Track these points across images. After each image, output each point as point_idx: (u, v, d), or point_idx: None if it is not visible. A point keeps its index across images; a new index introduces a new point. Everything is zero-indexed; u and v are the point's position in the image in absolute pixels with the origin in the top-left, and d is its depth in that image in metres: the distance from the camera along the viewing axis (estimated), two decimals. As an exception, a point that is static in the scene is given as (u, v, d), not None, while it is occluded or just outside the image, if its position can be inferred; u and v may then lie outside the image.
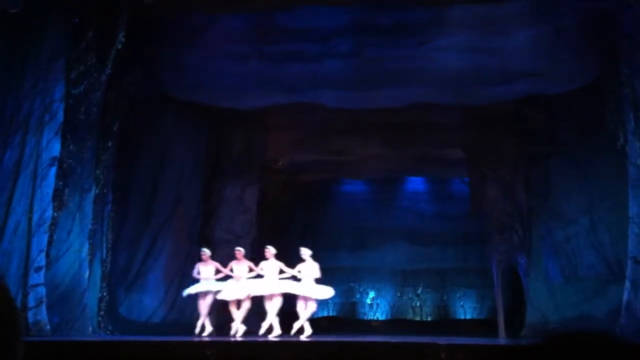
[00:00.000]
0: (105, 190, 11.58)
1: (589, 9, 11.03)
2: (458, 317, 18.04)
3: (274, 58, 12.25)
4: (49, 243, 9.93)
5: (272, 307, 11.40)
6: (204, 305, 11.57)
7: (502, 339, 12.29)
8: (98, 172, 11.26)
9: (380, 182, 19.18)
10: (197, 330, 11.44)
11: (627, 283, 10.06)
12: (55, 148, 10.14)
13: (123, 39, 11.09)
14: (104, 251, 11.68)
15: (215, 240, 13.99)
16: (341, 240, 18.70)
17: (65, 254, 10.26)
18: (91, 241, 10.94)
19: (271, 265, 11.45)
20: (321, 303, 19.09)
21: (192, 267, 11.97)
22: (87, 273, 10.75)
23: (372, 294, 18.77)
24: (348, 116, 13.91)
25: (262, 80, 12.46)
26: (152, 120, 12.98)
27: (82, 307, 10.46)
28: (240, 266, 11.61)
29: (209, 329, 11.49)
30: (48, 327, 9.64)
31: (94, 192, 11.06)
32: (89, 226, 10.86)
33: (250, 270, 11.50)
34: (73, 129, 10.52)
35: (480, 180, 15.23)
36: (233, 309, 11.54)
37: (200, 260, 11.81)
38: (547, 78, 11.83)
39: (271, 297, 11.38)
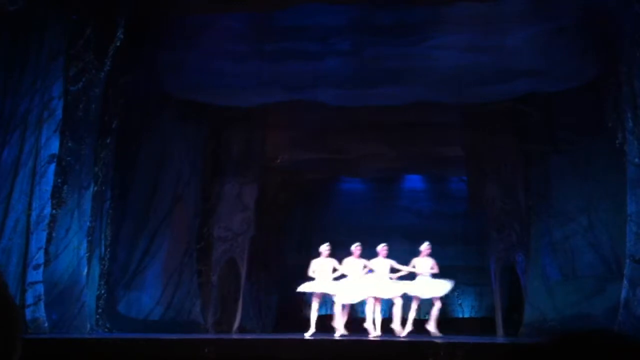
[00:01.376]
0: (104, 188, 11.58)
1: (588, 7, 11.03)
2: (456, 315, 18.03)
3: (273, 57, 12.24)
4: (48, 240, 9.94)
5: (377, 309, 11.10)
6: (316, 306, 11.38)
7: (500, 338, 12.30)
8: (97, 169, 11.27)
9: (379, 180, 19.18)
10: (312, 331, 11.07)
11: (625, 281, 10.07)
12: (54, 145, 10.14)
13: (122, 36, 11.09)
14: (103, 249, 11.69)
15: (214, 238, 14.01)
16: (340, 238, 18.68)
17: (63, 251, 10.26)
18: (90, 239, 10.94)
19: (383, 264, 11.21)
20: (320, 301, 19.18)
21: (191, 265, 11.95)
22: (86, 270, 10.75)
23: (370, 292, 18.77)
24: (347, 115, 13.92)
25: (262, 78, 12.46)
26: (152, 119, 12.98)
27: (80, 304, 10.46)
28: (356, 264, 11.17)
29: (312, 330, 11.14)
30: (46, 324, 9.64)
31: (92, 189, 11.06)
32: (88, 224, 10.87)
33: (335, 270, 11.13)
34: (72, 126, 10.52)
35: (479, 178, 15.23)
36: (338, 310, 11.19)
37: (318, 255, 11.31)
38: (546, 77, 11.83)
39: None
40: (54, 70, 10.31)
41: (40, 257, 9.75)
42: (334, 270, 11.07)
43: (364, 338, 10.05)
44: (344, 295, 11.01)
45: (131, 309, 12.39)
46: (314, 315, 11.25)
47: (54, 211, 10.08)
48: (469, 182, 16.59)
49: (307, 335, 10.90)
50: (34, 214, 9.78)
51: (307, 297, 18.94)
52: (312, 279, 11.27)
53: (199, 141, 14.09)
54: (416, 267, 11.07)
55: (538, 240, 12.54)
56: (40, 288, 9.68)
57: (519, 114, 13.71)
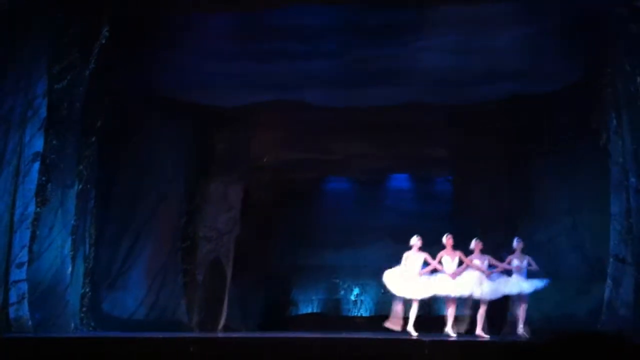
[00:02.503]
0: (88, 186, 11.53)
1: (573, 10, 11.13)
2: (441, 313, 18.03)
3: (260, 57, 12.23)
4: (32, 239, 9.88)
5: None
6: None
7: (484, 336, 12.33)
8: (81, 167, 11.22)
9: (365, 181, 19.23)
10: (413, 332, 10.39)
11: (609, 280, 10.17)
12: (38, 143, 10.08)
13: (107, 35, 11.05)
14: (87, 247, 11.63)
15: (199, 237, 13.98)
16: (325, 238, 18.73)
17: (47, 250, 10.20)
18: (74, 237, 10.89)
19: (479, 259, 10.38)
20: (305, 300, 19.19)
21: (176, 264, 11.89)
22: (70, 269, 10.70)
23: (356, 291, 18.82)
24: (333, 115, 13.94)
25: (248, 78, 12.45)
26: (137, 117, 12.93)
27: (64, 303, 10.40)
28: (451, 257, 10.35)
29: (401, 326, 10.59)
30: (30, 323, 9.58)
31: (76, 187, 11.01)
32: (72, 222, 10.82)
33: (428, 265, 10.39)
34: (56, 125, 10.47)
35: (464, 179, 15.31)
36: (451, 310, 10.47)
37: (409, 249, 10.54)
38: (531, 78, 11.92)
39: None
40: (38, 68, 10.25)
41: (23, 255, 9.69)
42: (426, 263, 10.33)
43: (353, 336, 10.06)
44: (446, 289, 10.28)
45: (115, 307, 12.33)
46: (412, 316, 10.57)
47: (37, 209, 10.02)
48: (454, 183, 16.68)
49: (414, 335, 10.21)
50: (17, 212, 9.72)
51: (293, 297, 18.99)
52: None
53: (184, 140, 14.05)
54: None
55: (522, 241, 12.60)
56: (24, 286, 9.62)
57: (504, 115, 13.80)
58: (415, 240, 10.50)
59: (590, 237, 11.98)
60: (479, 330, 10.37)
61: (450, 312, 10.44)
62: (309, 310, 18.73)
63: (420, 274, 10.35)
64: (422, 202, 18.92)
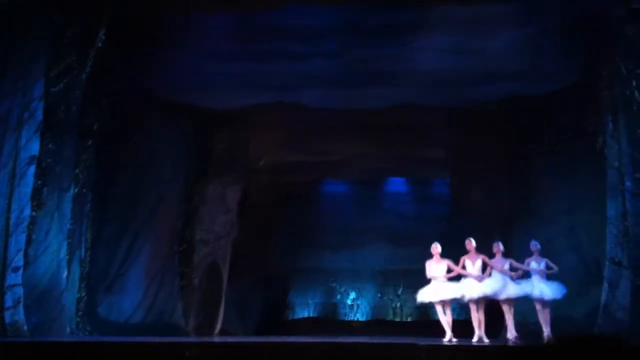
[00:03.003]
0: (84, 190, 11.50)
1: (571, 11, 11.12)
2: (438, 318, 18.07)
3: (258, 57, 12.22)
4: (27, 243, 9.85)
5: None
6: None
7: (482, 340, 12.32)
8: (77, 171, 11.19)
9: (362, 183, 19.24)
10: (449, 336, 10.17)
11: (605, 284, 10.16)
12: (34, 147, 10.06)
13: (104, 37, 11.03)
14: (83, 251, 11.60)
15: (196, 240, 13.96)
16: (322, 241, 18.72)
17: (43, 253, 10.17)
18: (70, 241, 10.86)
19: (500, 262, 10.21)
20: (302, 304, 19.16)
21: (173, 268, 11.85)
22: (66, 273, 10.66)
23: (352, 295, 18.81)
24: (331, 117, 13.92)
25: (247, 79, 12.43)
26: (134, 120, 12.91)
27: (60, 307, 10.37)
28: (472, 261, 10.20)
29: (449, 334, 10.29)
30: (25, 327, 9.55)
31: (72, 191, 10.98)
32: (68, 226, 10.79)
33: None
34: (52, 128, 10.44)
35: (462, 180, 15.30)
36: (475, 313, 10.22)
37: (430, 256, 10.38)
38: (529, 80, 11.92)
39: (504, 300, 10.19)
40: (35, 71, 10.23)
41: (19, 259, 9.66)
42: (449, 270, 10.17)
43: (350, 341, 10.04)
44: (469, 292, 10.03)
45: (112, 311, 12.30)
46: (442, 320, 10.32)
47: (33, 213, 9.99)
48: (452, 184, 16.66)
49: (446, 340, 10.05)
50: (13, 216, 9.69)
51: (290, 301, 18.98)
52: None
53: (182, 142, 14.03)
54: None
55: (520, 241, 12.57)
56: (20, 291, 9.59)
57: (503, 116, 13.79)
58: (437, 249, 10.38)
59: (588, 239, 11.97)
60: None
61: (474, 316, 10.33)
62: (306, 314, 18.72)
63: (446, 278, 10.21)
64: (420, 204, 18.92)
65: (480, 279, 10.05)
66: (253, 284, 17.16)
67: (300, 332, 12.08)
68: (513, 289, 10.04)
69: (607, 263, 10.20)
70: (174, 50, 12.26)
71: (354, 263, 18.58)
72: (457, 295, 10.11)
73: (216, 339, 11.74)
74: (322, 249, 18.69)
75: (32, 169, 9.96)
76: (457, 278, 10.18)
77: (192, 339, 10.97)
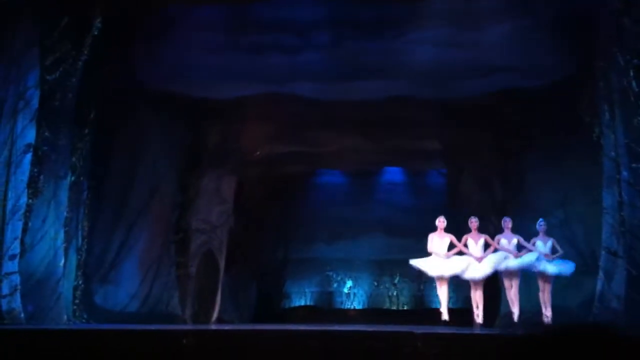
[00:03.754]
0: (82, 178, 11.48)
1: (564, 3, 11.14)
2: (434, 306, 18.12)
3: (251, 49, 12.20)
4: (24, 231, 9.84)
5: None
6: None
7: (477, 329, 12.38)
8: (74, 159, 11.17)
9: (357, 173, 19.26)
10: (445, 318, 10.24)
11: (601, 273, 10.21)
12: (30, 135, 10.03)
13: (100, 25, 10.99)
14: (80, 239, 11.59)
15: (192, 230, 13.97)
16: (318, 231, 18.76)
17: (40, 241, 10.16)
18: (66, 229, 10.85)
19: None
20: (298, 292, 19.20)
21: (169, 257, 11.82)
22: (62, 261, 10.66)
23: (349, 284, 18.87)
24: (325, 108, 13.92)
25: (239, 71, 12.41)
26: (129, 110, 12.88)
27: (57, 295, 10.37)
28: (475, 240, 10.28)
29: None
30: (22, 315, 9.55)
31: (69, 179, 10.96)
32: (65, 214, 10.78)
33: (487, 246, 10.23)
34: (48, 116, 10.42)
35: (456, 173, 15.33)
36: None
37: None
38: (522, 72, 11.93)
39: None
40: (30, 60, 10.19)
41: (15, 247, 9.64)
42: (452, 247, 10.25)
43: (346, 329, 10.06)
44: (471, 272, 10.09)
45: (108, 300, 12.30)
46: (443, 300, 10.37)
47: (30, 201, 9.98)
48: (447, 176, 16.68)
49: (444, 317, 10.18)
50: (9, 204, 9.67)
51: (286, 290, 19.01)
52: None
53: (177, 133, 14.01)
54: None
55: (515, 233, 12.64)
56: (16, 279, 9.58)
57: (497, 108, 13.81)
58: (440, 221, 10.48)
59: (583, 230, 12.02)
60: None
61: (473, 296, 10.37)
62: (302, 303, 18.76)
63: (447, 256, 10.27)
64: (414, 195, 18.96)
65: (480, 259, 10.10)
66: (249, 273, 17.19)
67: (297, 320, 12.13)
68: (513, 262, 10.07)
69: (602, 253, 10.25)
70: (168, 41, 12.23)
71: (350, 253, 18.64)
72: (457, 271, 10.11)
73: (213, 327, 11.73)
74: (318, 239, 18.74)
75: (28, 157, 9.95)
76: (459, 255, 10.22)
77: (190, 326, 10.98)
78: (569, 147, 12.24)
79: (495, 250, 10.33)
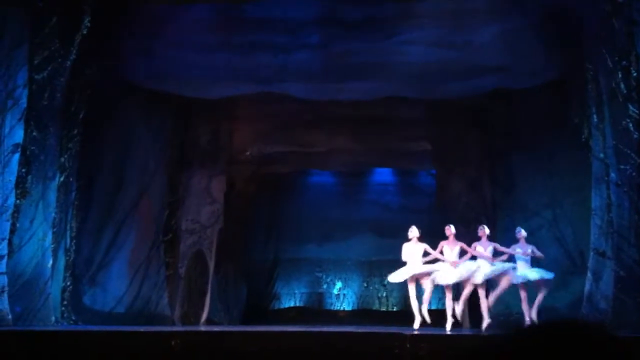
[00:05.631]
0: (71, 179, 11.41)
1: (555, 5, 11.17)
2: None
3: (241, 48, 12.16)
4: (12, 231, 9.75)
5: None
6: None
7: (465, 329, 12.43)
8: (63, 160, 11.09)
9: (347, 174, 19.26)
10: (418, 322, 10.22)
11: (589, 274, 10.25)
12: (19, 134, 9.94)
13: (89, 24, 10.92)
14: (68, 240, 11.51)
15: (182, 230, 13.92)
16: (308, 232, 18.75)
17: (28, 242, 10.08)
18: (55, 230, 10.76)
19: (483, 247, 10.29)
20: (288, 293, 19.19)
21: (158, 257, 11.77)
22: (51, 262, 10.58)
23: (339, 285, 18.87)
24: (315, 108, 13.93)
25: (230, 70, 12.38)
26: (118, 109, 12.82)
27: (45, 296, 10.29)
28: (451, 247, 10.30)
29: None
30: (10, 316, 9.46)
31: (58, 180, 10.88)
32: (53, 215, 10.69)
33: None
34: (36, 115, 10.33)
35: (445, 173, 15.37)
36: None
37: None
38: (512, 73, 11.96)
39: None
40: (18, 58, 10.09)
41: (3, 248, 9.56)
42: (426, 254, 10.27)
43: (336, 330, 10.06)
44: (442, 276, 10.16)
45: (97, 301, 12.24)
46: (414, 304, 10.36)
47: (17, 201, 9.89)
48: (436, 176, 16.71)
49: (415, 326, 10.13)
50: (-3, 204, 9.60)
51: (276, 291, 18.99)
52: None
53: (166, 132, 13.97)
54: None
55: (503, 234, 12.68)
56: (4, 279, 9.50)
57: (484, 109, 13.86)
58: (414, 232, 10.50)
59: (571, 230, 12.08)
60: (458, 311, 10.38)
61: (448, 303, 10.44)
62: (292, 304, 18.75)
63: (456, 265, 10.27)
64: (404, 195, 18.98)
65: (455, 264, 10.15)
66: (239, 274, 17.16)
67: (287, 321, 12.11)
68: (489, 269, 10.12)
69: (591, 254, 10.30)
70: (157, 39, 12.18)
71: (340, 253, 18.65)
72: (431, 273, 10.17)
73: (202, 328, 11.71)
74: (307, 240, 18.73)
75: (16, 157, 9.85)
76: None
77: (178, 328, 10.94)
78: (558, 148, 12.29)
79: (474, 258, 10.36)
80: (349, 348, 8.00)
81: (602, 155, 10.03)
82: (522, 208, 13.17)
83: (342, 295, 18.83)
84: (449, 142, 14.92)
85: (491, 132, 14.07)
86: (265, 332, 9.24)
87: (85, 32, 11.01)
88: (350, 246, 18.67)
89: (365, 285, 18.81)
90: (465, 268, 10.19)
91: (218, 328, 10.75)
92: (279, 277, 18.86)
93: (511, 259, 10.41)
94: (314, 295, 18.88)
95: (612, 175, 9.65)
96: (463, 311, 10.69)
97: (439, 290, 14.72)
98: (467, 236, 12.55)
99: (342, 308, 18.72)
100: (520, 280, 10.18)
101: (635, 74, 9.22)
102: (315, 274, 18.89)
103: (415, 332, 9.09)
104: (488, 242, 10.40)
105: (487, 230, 10.43)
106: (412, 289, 10.39)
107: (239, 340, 8.23)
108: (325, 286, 18.95)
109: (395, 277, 10.55)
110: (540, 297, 10.23)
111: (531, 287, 10.27)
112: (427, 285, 10.35)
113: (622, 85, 9.39)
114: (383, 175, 19.45)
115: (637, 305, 9.07)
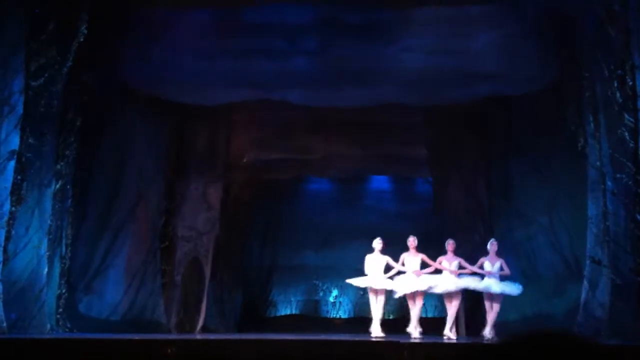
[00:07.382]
0: (67, 186, 11.38)
1: (551, 13, 11.19)
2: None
3: (239, 54, 12.16)
4: (7, 238, 9.70)
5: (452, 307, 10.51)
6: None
7: (462, 338, 12.42)
8: (59, 167, 11.07)
9: (345, 180, 19.24)
10: (377, 331, 10.57)
11: (585, 282, 10.25)
12: (14, 141, 9.91)
13: (85, 31, 10.91)
14: (64, 247, 11.47)
15: (178, 237, 13.90)
16: (304, 239, 18.73)
17: (23, 249, 10.03)
18: (50, 237, 10.72)
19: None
20: (284, 301, 19.16)
21: (154, 265, 11.73)
22: (46, 269, 10.53)
23: (335, 292, 18.83)
24: (313, 114, 13.94)
25: (227, 76, 12.37)
26: (114, 115, 12.80)
27: (40, 304, 10.25)
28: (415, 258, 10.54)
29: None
30: (4, 324, 9.42)
31: (54, 187, 10.85)
32: (49, 222, 10.65)
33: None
34: (33, 122, 10.29)
35: (442, 180, 15.38)
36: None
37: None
38: (509, 80, 11.98)
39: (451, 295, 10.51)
40: (14, 65, 10.07)
41: (-2, 255, 9.54)
42: (388, 267, 10.57)
43: (332, 338, 10.04)
44: (402, 287, 10.46)
45: (92, 308, 12.20)
46: (375, 313, 10.72)
47: (13, 208, 9.85)
48: (433, 183, 16.73)
49: (373, 335, 10.43)
50: (-8, 212, 9.57)
51: (272, 298, 18.96)
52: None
53: (163, 139, 13.95)
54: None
55: (501, 241, 12.71)
56: (-1, 287, 9.48)
57: (481, 116, 13.87)
58: (378, 242, 10.92)
59: (568, 237, 12.08)
60: (446, 330, 10.48)
61: (412, 312, 10.62)
62: (288, 312, 18.72)
63: (418, 274, 10.50)
64: (402, 202, 18.97)
65: (418, 273, 10.26)
66: (235, 281, 17.13)
67: (283, 329, 12.07)
68: (452, 283, 10.20)
69: (587, 262, 10.31)
70: (155, 46, 12.18)
71: (336, 261, 18.61)
72: (391, 287, 10.49)
73: (197, 336, 11.68)
74: (304, 247, 18.71)
75: (12, 164, 9.81)
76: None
77: (174, 336, 10.90)
78: (555, 154, 12.30)
79: (439, 272, 10.49)
80: (345, 356, 7.99)
81: (598, 163, 10.03)
82: (519, 214, 13.18)
83: (339, 302, 18.80)
84: (446, 148, 14.95)
85: (488, 138, 14.09)
86: (261, 339, 9.22)
87: (82, 39, 11.00)
88: (348, 253, 18.61)
89: (362, 293, 18.77)
90: (425, 282, 10.40)
91: (214, 336, 10.72)
92: (275, 284, 18.82)
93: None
94: (310, 303, 18.85)
95: (609, 183, 9.65)
96: (459, 319, 10.75)
97: (435, 298, 14.78)
98: (465, 243, 12.58)
99: (338, 316, 18.68)
100: (483, 290, 10.36)
101: (630, 83, 9.22)
102: (311, 282, 18.86)
103: (412, 341, 9.08)
104: (454, 257, 10.52)
105: (453, 245, 10.61)
106: (373, 298, 10.86)
107: (234, 347, 8.22)
108: (321, 294, 18.92)
109: (359, 282, 11.12)
110: (496, 310, 10.38)
111: (489, 298, 10.37)
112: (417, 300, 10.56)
113: (618, 94, 9.40)
114: (380, 182, 19.45)
115: (633, 313, 9.06)
